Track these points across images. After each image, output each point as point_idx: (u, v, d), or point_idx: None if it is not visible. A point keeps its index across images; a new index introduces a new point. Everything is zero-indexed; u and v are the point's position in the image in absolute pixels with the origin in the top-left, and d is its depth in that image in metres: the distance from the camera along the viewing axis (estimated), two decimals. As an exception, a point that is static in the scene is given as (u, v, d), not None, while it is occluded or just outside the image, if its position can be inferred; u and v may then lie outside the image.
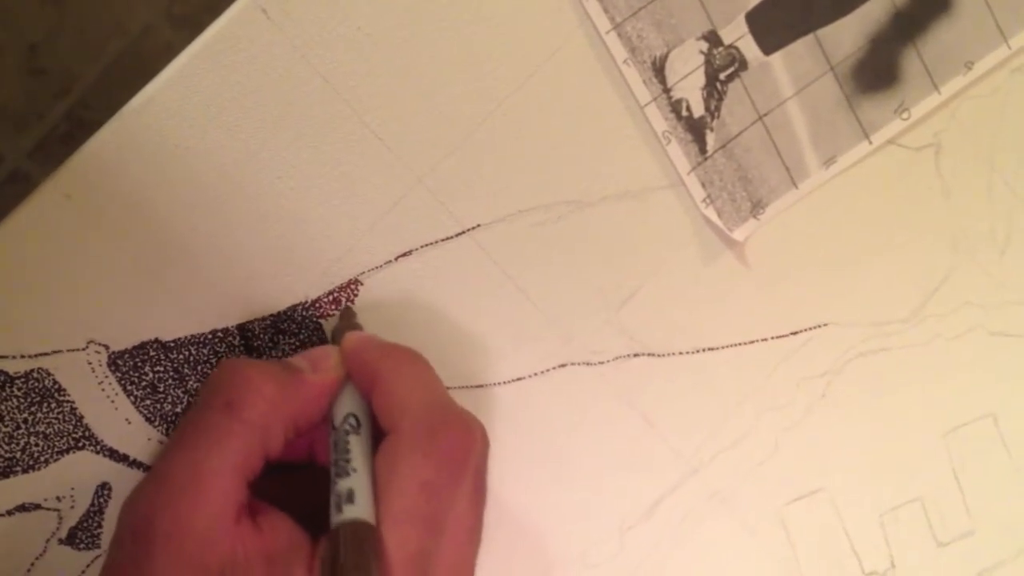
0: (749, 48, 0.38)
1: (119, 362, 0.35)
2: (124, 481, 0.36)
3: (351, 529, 0.29)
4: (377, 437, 0.32)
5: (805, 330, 0.41)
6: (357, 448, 0.32)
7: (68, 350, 0.35)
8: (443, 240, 0.37)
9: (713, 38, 0.37)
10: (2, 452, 0.35)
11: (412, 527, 0.30)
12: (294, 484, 0.33)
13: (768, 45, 0.38)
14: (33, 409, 0.35)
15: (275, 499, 0.32)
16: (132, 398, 0.35)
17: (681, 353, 0.40)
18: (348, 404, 0.33)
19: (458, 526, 0.31)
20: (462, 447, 0.31)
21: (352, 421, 0.32)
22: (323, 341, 0.37)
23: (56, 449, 0.35)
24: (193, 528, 0.29)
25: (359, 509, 0.30)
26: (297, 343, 0.37)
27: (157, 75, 0.34)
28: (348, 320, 0.36)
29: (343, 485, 0.30)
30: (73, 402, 0.35)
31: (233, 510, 0.30)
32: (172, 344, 0.36)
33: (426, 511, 0.30)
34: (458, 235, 0.37)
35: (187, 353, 0.36)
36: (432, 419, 0.31)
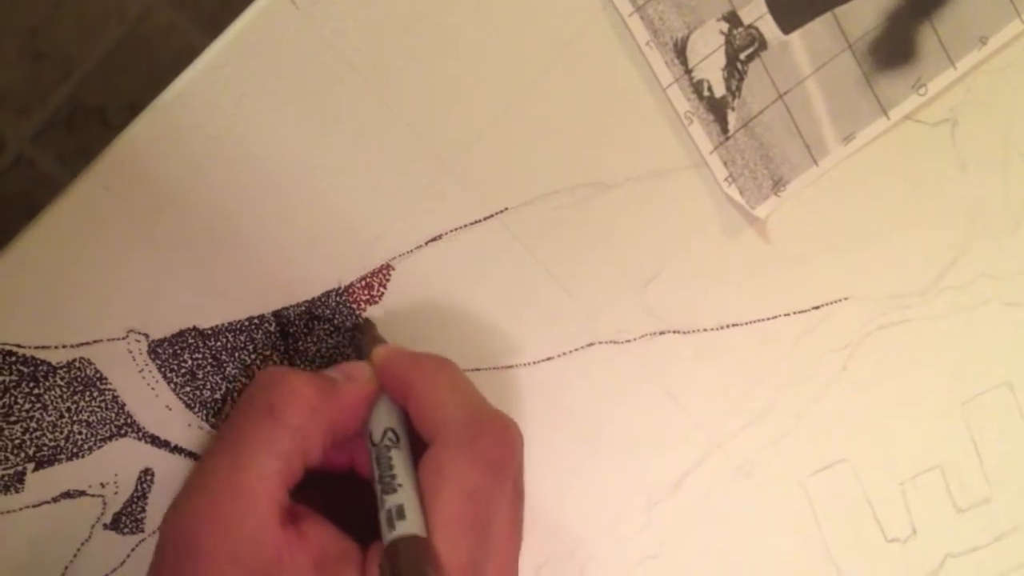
0: (768, 28, 0.38)
1: (158, 350, 0.36)
2: (166, 466, 0.37)
3: (407, 545, 0.29)
4: (415, 446, 0.33)
5: (826, 304, 0.42)
6: (400, 462, 0.32)
7: (108, 339, 0.35)
8: (471, 224, 0.38)
9: (733, 19, 0.38)
10: (47, 440, 0.35)
11: (463, 536, 0.30)
12: (334, 494, 0.34)
13: (787, 24, 0.38)
14: (76, 398, 0.35)
15: (318, 509, 0.32)
16: (172, 385, 0.36)
17: (705, 330, 0.41)
18: (385, 418, 0.34)
19: (504, 528, 0.32)
20: (503, 449, 0.32)
21: (391, 436, 0.33)
22: (356, 327, 0.38)
23: (99, 436, 0.36)
24: (239, 532, 0.29)
25: (411, 524, 0.30)
26: (331, 328, 0.38)
27: (189, 66, 0.35)
28: (370, 332, 0.37)
29: (392, 501, 0.31)
30: (114, 390, 0.36)
31: (277, 514, 0.30)
32: (210, 332, 0.36)
33: (474, 517, 0.30)
34: (486, 219, 0.38)
35: (224, 340, 0.36)
36: (471, 425, 0.32)
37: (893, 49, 0.39)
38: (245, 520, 0.29)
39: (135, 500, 0.37)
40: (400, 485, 0.31)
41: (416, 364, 0.34)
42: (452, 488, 0.31)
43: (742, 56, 0.38)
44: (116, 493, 0.37)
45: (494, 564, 0.31)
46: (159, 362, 0.36)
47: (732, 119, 0.39)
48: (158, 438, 0.36)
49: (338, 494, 0.34)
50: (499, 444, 0.32)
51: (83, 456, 0.36)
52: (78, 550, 0.37)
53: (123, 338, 0.35)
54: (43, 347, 0.35)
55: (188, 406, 0.37)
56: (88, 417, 0.36)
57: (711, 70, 0.38)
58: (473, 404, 0.33)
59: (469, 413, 0.32)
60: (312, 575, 0.30)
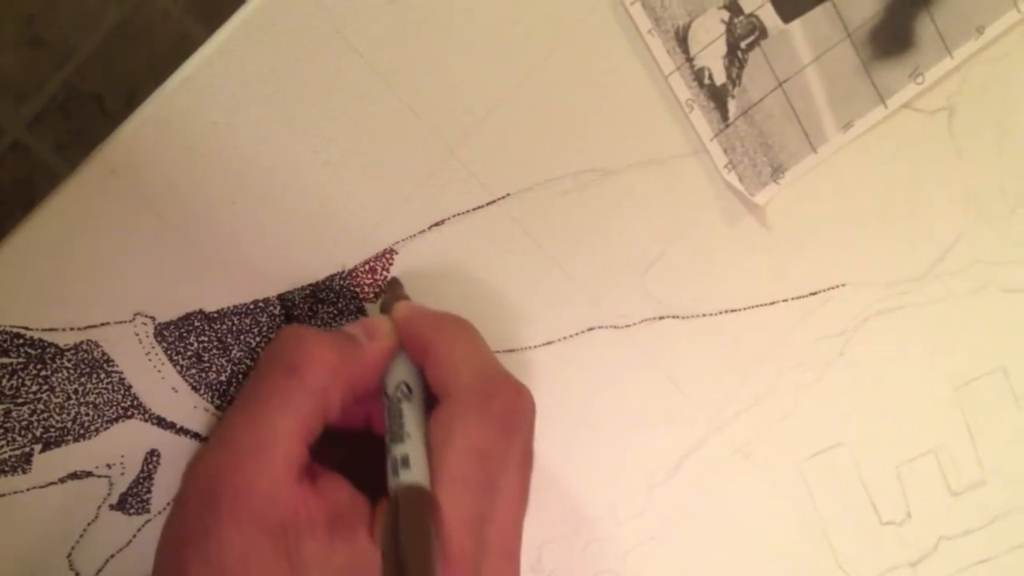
0: (769, 16, 0.39)
1: (165, 333, 0.36)
2: (172, 448, 0.37)
3: (409, 493, 0.30)
4: (429, 404, 0.34)
5: (823, 290, 0.42)
6: (410, 414, 0.33)
7: (115, 322, 0.36)
8: (474, 209, 0.38)
9: (734, 7, 0.38)
10: (54, 422, 0.36)
11: (467, 491, 0.31)
12: (353, 451, 0.34)
13: (787, 13, 0.39)
14: (83, 380, 0.36)
15: (334, 465, 0.33)
16: (178, 367, 0.37)
17: (704, 315, 0.41)
18: (400, 372, 0.34)
19: (509, 489, 0.32)
20: (514, 412, 0.32)
21: (404, 389, 0.33)
22: (360, 310, 0.38)
23: (106, 418, 0.36)
24: (258, 488, 0.30)
25: (415, 473, 0.31)
26: (335, 311, 0.38)
27: (196, 52, 0.35)
28: (396, 291, 0.37)
29: (398, 450, 0.31)
30: (121, 372, 0.36)
31: (295, 471, 0.31)
32: (215, 315, 0.37)
33: (480, 475, 0.31)
34: (489, 204, 0.38)
35: (230, 323, 0.37)
36: (484, 385, 0.33)
37: (891, 38, 0.40)
38: (263, 477, 0.30)
39: (141, 481, 0.37)
40: (408, 435, 0.32)
41: (435, 322, 0.35)
42: (460, 444, 0.31)
43: (743, 44, 0.39)
44: (122, 474, 0.37)
45: (498, 523, 0.31)
46: (165, 345, 0.36)
47: (732, 107, 0.39)
48: (164, 420, 0.37)
49: (357, 450, 0.34)
50: (510, 406, 0.32)
51: (90, 437, 0.36)
52: (84, 530, 0.37)
53: (130, 321, 0.36)
54: (50, 330, 0.35)
55: (194, 388, 0.37)
56: (95, 399, 0.36)
57: (712, 58, 0.39)
58: (488, 366, 0.34)
59: (483, 374, 0.33)
60: (324, 529, 0.30)
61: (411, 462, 0.31)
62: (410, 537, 0.29)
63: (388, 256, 0.38)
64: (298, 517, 0.30)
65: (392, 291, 0.37)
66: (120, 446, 0.37)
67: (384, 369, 0.35)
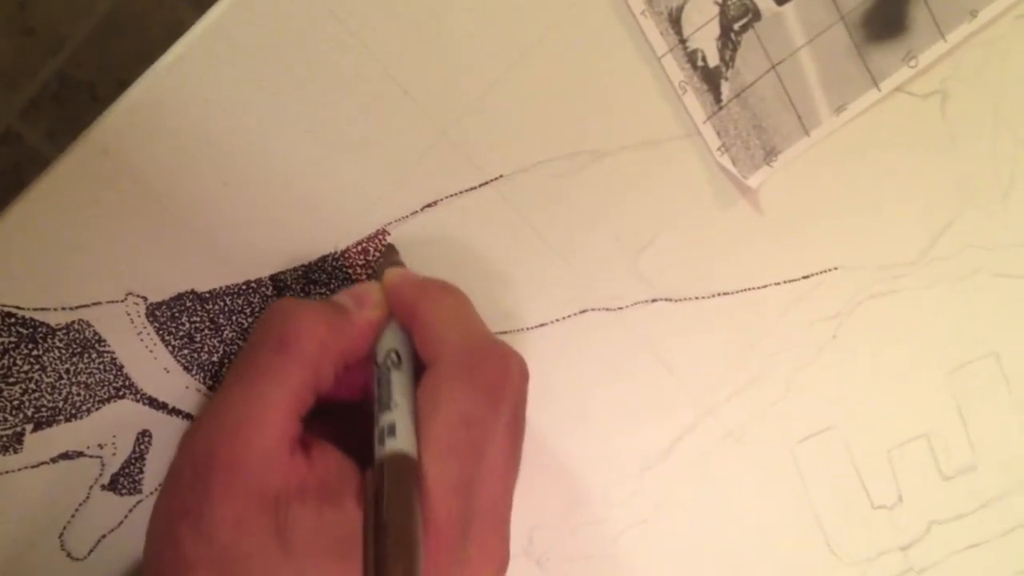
0: (762, -1, 0.39)
1: (157, 313, 0.36)
2: (164, 428, 0.37)
3: (393, 461, 0.30)
4: (419, 371, 0.34)
5: (816, 274, 0.42)
6: (399, 383, 0.33)
7: (107, 302, 0.36)
8: (467, 191, 0.38)
9: (728, -11, 0.38)
10: (45, 401, 0.36)
11: (452, 457, 0.31)
12: (350, 421, 0.34)
13: (781, -5, 0.39)
14: (74, 359, 0.36)
15: (330, 435, 0.33)
16: (170, 348, 0.37)
17: (697, 298, 0.41)
18: (390, 340, 0.34)
19: (497, 456, 0.32)
20: (500, 378, 0.32)
21: (394, 357, 0.34)
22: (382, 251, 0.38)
23: (97, 398, 0.36)
24: (251, 460, 0.30)
25: (400, 442, 0.31)
26: (328, 292, 0.38)
27: (188, 31, 0.35)
28: (390, 257, 0.37)
29: (385, 419, 0.31)
30: (113, 352, 0.36)
31: (288, 443, 0.31)
32: (207, 295, 0.37)
33: (466, 442, 0.31)
34: (482, 186, 0.38)
35: (222, 304, 0.37)
36: (470, 352, 0.33)
37: (885, 21, 0.40)
38: (256, 451, 0.30)
39: (133, 461, 0.37)
40: (396, 404, 0.32)
41: (423, 289, 0.35)
42: (445, 411, 0.31)
43: (736, 27, 0.39)
44: (114, 454, 0.37)
45: (486, 489, 0.31)
46: (157, 325, 0.36)
47: (725, 89, 0.39)
48: (156, 400, 0.37)
49: (351, 420, 0.34)
50: (496, 372, 0.32)
51: (81, 417, 0.36)
52: (76, 511, 0.37)
53: (122, 301, 0.36)
54: (42, 309, 0.35)
55: (186, 368, 0.37)
56: (87, 379, 0.36)
57: (705, 40, 0.38)
58: (475, 332, 0.34)
59: (469, 340, 0.33)
60: (314, 498, 0.30)
61: (397, 430, 0.31)
62: (392, 503, 0.29)
63: (381, 237, 0.38)
64: (289, 487, 0.30)
65: (387, 257, 0.37)
66: (112, 426, 0.37)
67: (375, 338, 0.35)
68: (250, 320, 0.37)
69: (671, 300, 0.41)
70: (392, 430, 0.31)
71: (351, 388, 0.35)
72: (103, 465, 0.37)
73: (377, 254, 0.38)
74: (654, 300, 0.41)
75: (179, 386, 0.37)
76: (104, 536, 0.38)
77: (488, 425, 0.32)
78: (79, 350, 0.36)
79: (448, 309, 0.34)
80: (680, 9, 0.38)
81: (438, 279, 0.36)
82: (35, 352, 0.35)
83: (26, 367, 0.35)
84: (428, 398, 0.32)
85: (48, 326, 0.35)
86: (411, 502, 0.29)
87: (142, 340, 0.36)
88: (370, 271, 0.38)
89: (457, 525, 0.30)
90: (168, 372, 0.37)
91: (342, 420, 0.34)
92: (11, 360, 0.35)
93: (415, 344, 0.34)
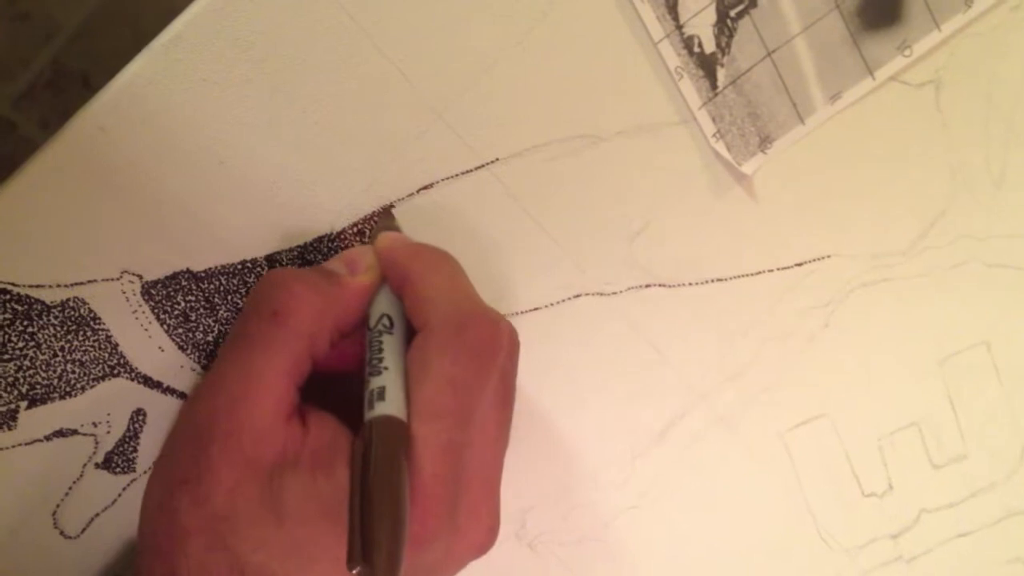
0: (758, -14, 0.39)
1: (152, 291, 0.36)
2: (158, 407, 0.37)
3: (381, 424, 0.30)
4: (411, 336, 0.34)
5: (809, 262, 0.42)
6: (390, 347, 0.33)
7: (103, 280, 0.36)
8: (462, 174, 0.38)
9: (724, -24, 0.38)
10: (40, 379, 0.36)
11: (440, 421, 0.31)
12: (345, 392, 0.34)
13: (777, -17, 0.39)
14: (69, 337, 0.36)
15: (328, 406, 0.33)
16: (165, 327, 0.37)
17: (690, 284, 0.42)
18: (383, 305, 0.34)
19: (487, 422, 0.32)
20: (489, 343, 0.32)
21: (386, 321, 0.34)
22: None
23: (92, 376, 0.36)
24: (250, 427, 0.30)
25: (390, 405, 0.31)
26: (323, 274, 0.38)
27: (185, 10, 0.35)
28: (386, 221, 0.37)
29: (375, 383, 0.32)
30: (108, 330, 0.36)
31: (284, 411, 0.31)
32: (203, 274, 0.37)
33: (454, 405, 0.31)
34: (477, 169, 0.39)
35: (217, 283, 0.37)
36: (460, 316, 0.33)
37: (879, 10, 0.40)
38: (254, 420, 0.31)
39: (127, 440, 0.37)
40: (386, 368, 0.32)
41: (414, 253, 0.35)
42: (434, 375, 0.31)
43: (732, 13, 0.39)
44: (108, 432, 0.37)
45: (475, 453, 0.31)
46: (152, 303, 0.36)
47: (721, 75, 0.39)
48: (151, 379, 0.37)
49: (348, 391, 0.34)
50: (485, 337, 0.32)
51: (76, 395, 0.36)
52: (70, 488, 0.37)
53: (117, 279, 0.36)
54: (37, 286, 0.35)
55: (181, 348, 0.37)
56: (81, 356, 0.36)
57: (702, 26, 0.39)
58: (465, 298, 0.34)
59: (458, 305, 0.33)
60: (309, 467, 0.31)
61: (387, 393, 0.31)
62: (379, 466, 0.29)
63: (377, 218, 0.38)
64: (286, 453, 0.31)
65: (382, 221, 0.37)
66: (106, 404, 0.37)
67: (368, 302, 0.35)
68: (245, 300, 0.37)
69: (665, 286, 0.41)
70: (382, 394, 0.31)
71: (348, 358, 0.35)
72: (97, 443, 0.37)
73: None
74: (647, 285, 0.41)
75: (174, 365, 0.37)
76: (97, 514, 0.38)
77: (476, 389, 0.32)
78: (74, 328, 0.36)
79: (440, 274, 0.34)
80: (677, -5, 0.38)
81: (430, 245, 0.36)
82: (30, 329, 0.35)
83: (21, 344, 0.35)
84: (417, 362, 0.32)
85: (43, 303, 0.35)
86: (399, 464, 0.29)
87: (137, 318, 0.36)
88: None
89: (446, 489, 0.30)
90: (163, 351, 0.37)
91: (340, 391, 0.34)
92: (6, 337, 0.35)
93: (406, 308, 0.34)
